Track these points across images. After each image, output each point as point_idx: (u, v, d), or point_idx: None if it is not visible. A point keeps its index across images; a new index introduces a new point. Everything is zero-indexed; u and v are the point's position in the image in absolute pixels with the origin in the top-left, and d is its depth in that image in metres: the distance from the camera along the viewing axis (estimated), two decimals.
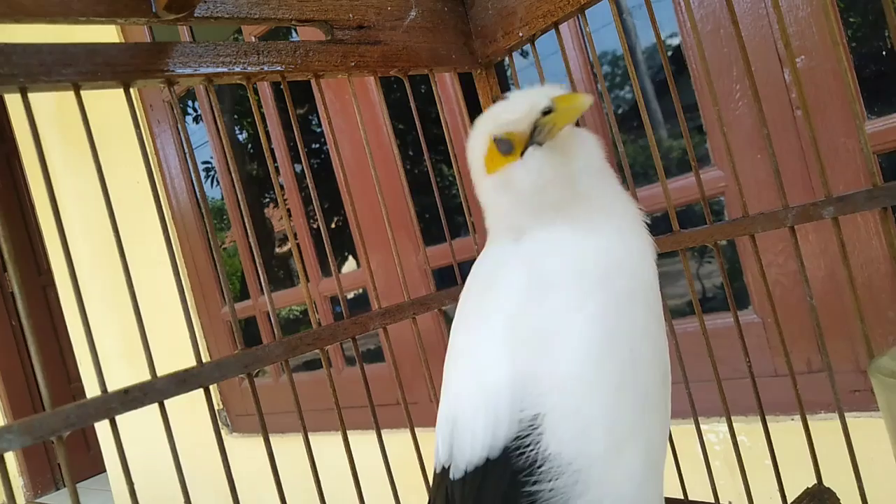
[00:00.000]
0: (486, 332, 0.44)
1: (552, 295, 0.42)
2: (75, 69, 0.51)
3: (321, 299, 1.97)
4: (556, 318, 0.41)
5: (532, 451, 0.40)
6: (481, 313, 0.46)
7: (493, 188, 0.49)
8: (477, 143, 0.50)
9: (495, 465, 0.41)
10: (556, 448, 0.39)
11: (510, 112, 0.47)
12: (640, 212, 0.49)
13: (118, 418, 0.49)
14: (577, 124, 0.49)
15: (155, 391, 0.50)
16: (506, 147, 0.47)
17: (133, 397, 0.49)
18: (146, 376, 0.52)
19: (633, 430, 0.41)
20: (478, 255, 0.78)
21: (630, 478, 0.41)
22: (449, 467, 0.44)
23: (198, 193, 2.27)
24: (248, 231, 0.61)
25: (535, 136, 0.47)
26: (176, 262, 0.56)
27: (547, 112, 0.46)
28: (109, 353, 2.27)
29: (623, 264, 0.45)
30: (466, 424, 0.43)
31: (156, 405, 0.52)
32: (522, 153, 0.47)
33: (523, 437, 0.40)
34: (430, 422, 0.49)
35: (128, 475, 0.48)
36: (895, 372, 0.42)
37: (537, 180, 0.46)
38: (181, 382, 0.52)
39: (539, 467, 0.39)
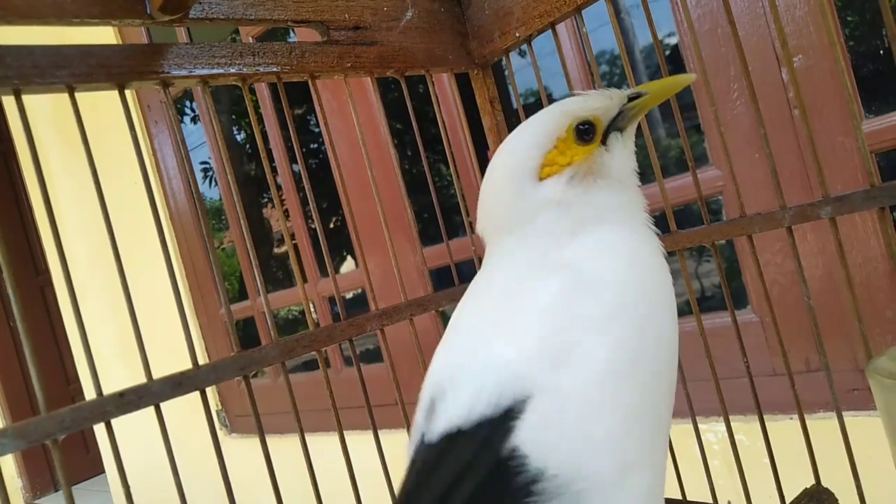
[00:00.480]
0: (509, 319, 0.42)
1: (591, 301, 0.40)
2: (69, 71, 0.50)
3: (319, 299, 1.97)
4: (588, 325, 0.40)
5: (505, 442, 0.37)
6: (507, 304, 0.43)
7: (566, 184, 0.45)
8: (545, 134, 0.46)
9: (464, 437, 0.39)
10: (531, 450, 0.37)
11: (599, 101, 0.46)
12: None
13: (114, 421, 0.49)
14: None
15: (151, 394, 0.50)
16: (589, 135, 0.46)
17: (128, 400, 0.49)
18: (143, 378, 0.51)
19: (643, 454, 0.40)
20: (475, 255, 0.78)
21: (636, 490, 0.39)
22: (424, 435, 0.42)
23: (194, 194, 2.28)
24: (245, 230, 0.61)
25: (616, 121, 0.47)
26: (172, 265, 0.56)
27: (634, 97, 0.47)
28: (107, 355, 2.27)
29: (663, 278, 0.44)
30: (454, 388, 0.41)
31: (152, 408, 0.52)
32: (603, 140, 0.46)
33: (498, 423, 0.38)
34: None
35: (123, 478, 0.48)
36: (893, 372, 0.42)
37: (630, 164, 0.47)
38: (177, 385, 0.52)
39: (511, 462, 0.37)
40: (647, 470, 0.40)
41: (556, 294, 0.41)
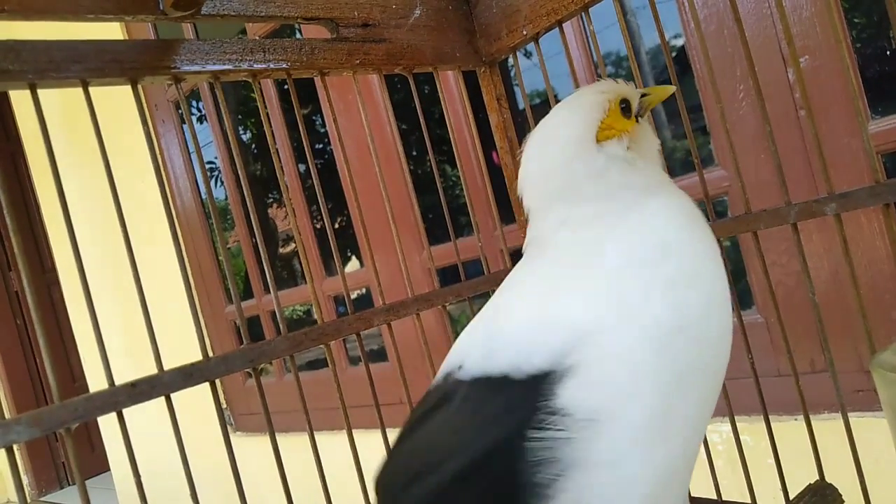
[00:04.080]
0: (579, 278, 0.43)
1: (661, 265, 0.42)
2: (83, 66, 0.51)
3: (325, 298, 1.97)
4: (654, 290, 0.41)
5: (552, 396, 0.38)
6: (579, 262, 0.45)
7: (626, 145, 0.49)
8: (599, 105, 0.50)
9: (512, 386, 0.40)
10: (576, 409, 0.38)
11: (629, 90, 0.52)
12: None
13: (125, 412, 0.50)
14: None
15: (162, 384, 0.51)
16: (628, 113, 0.51)
17: (140, 390, 0.49)
18: (150, 373, 0.52)
19: (680, 425, 0.40)
20: (481, 253, 0.78)
21: (665, 468, 0.39)
22: (451, 374, 0.43)
23: (203, 192, 2.29)
24: (255, 229, 0.62)
25: (638, 109, 0.53)
26: (183, 259, 0.57)
27: (644, 95, 0.54)
28: (112, 353, 2.27)
29: (716, 248, 0.46)
30: (503, 334, 0.42)
31: (161, 400, 0.52)
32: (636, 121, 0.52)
33: (553, 378, 0.39)
34: None
35: (134, 467, 0.49)
36: None
37: (654, 143, 0.52)
38: (188, 376, 0.52)
39: (554, 417, 0.38)
40: (682, 438, 0.40)
41: (626, 256, 0.43)
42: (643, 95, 0.54)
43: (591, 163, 0.48)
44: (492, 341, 0.43)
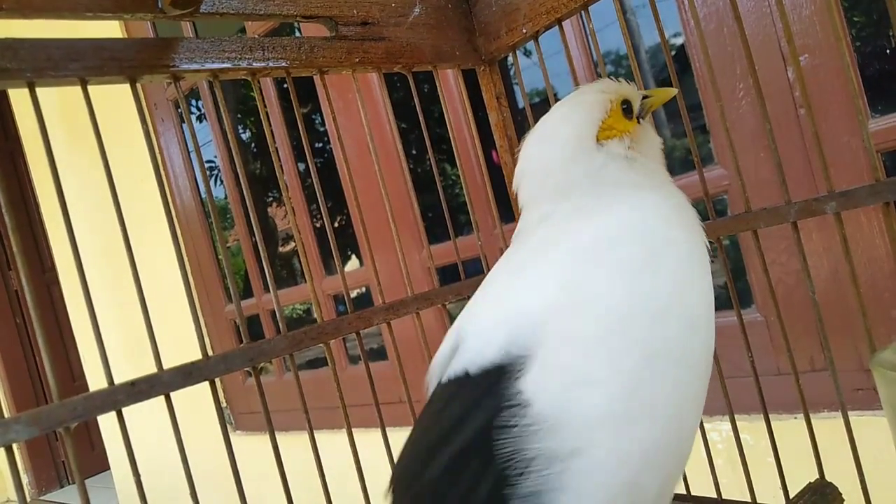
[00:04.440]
0: (532, 271, 0.44)
1: (617, 253, 0.42)
2: (82, 64, 0.51)
3: (324, 298, 1.97)
4: (600, 284, 0.41)
5: (509, 389, 0.38)
6: (537, 255, 0.46)
7: (627, 145, 0.50)
8: (599, 105, 0.51)
9: (471, 381, 0.40)
10: (536, 399, 0.37)
11: (631, 91, 0.53)
12: None
13: (124, 411, 0.50)
14: None
15: (161, 383, 0.50)
16: (629, 113, 0.52)
17: (139, 389, 0.49)
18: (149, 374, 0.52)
19: (649, 408, 0.39)
20: (481, 251, 0.78)
21: (635, 456, 0.38)
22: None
23: (203, 191, 2.28)
24: (255, 227, 0.62)
25: (639, 111, 0.54)
26: (183, 258, 0.57)
27: (646, 97, 0.55)
28: (112, 352, 2.27)
29: (700, 246, 0.46)
30: (468, 337, 0.43)
31: (162, 399, 0.52)
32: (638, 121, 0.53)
33: (505, 371, 0.39)
34: None
35: (134, 466, 0.49)
36: None
37: (654, 143, 0.53)
38: (187, 375, 0.52)
39: (514, 408, 0.38)
40: (652, 424, 0.39)
41: (588, 242, 0.43)
42: (644, 97, 0.54)
43: (589, 161, 0.48)
44: (457, 341, 0.44)
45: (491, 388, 0.39)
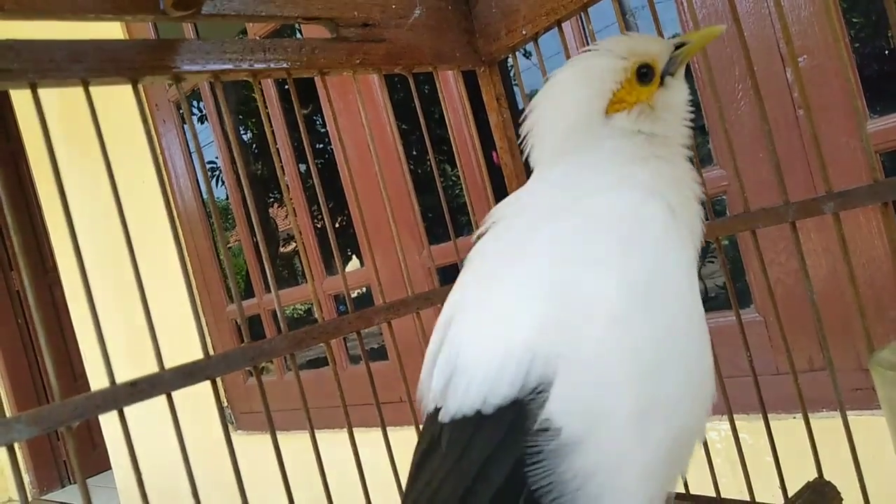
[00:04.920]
0: (519, 277, 0.42)
1: (596, 246, 0.41)
2: (84, 65, 0.51)
3: (325, 298, 1.98)
4: (591, 286, 0.40)
5: (531, 420, 0.37)
6: (517, 255, 0.44)
7: (636, 118, 0.48)
8: (611, 71, 0.49)
9: (488, 421, 0.39)
10: (563, 422, 0.37)
11: (654, 46, 0.50)
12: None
13: (126, 410, 0.50)
14: None
15: (163, 383, 0.51)
16: (649, 77, 0.49)
17: (141, 389, 0.49)
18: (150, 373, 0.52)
19: (662, 405, 0.39)
20: None
21: (650, 463, 0.38)
22: (440, 409, 0.42)
23: (203, 191, 2.29)
24: (256, 228, 0.62)
25: (668, 66, 0.50)
26: (185, 258, 0.57)
27: (679, 46, 0.50)
28: (113, 352, 2.27)
29: (677, 235, 0.44)
30: (467, 369, 0.41)
31: (162, 399, 0.52)
32: (661, 83, 0.50)
33: (525, 404, 0.38)
34: None
35: (136, 465, 0.49)
36: (895, 364, 0.42)
37: (682, 105, 0.50)
38: (188, 375, 0.52)
39: (540, 437, 0.37)
40: (666, 424, 0.39)
41: (563, 242, 0.42)
42: (679, 46, 0.51)
43: (587, 136, 0.48)
44: (455, 375, 0.42)
45: (513, 424, 0.38)
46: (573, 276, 0.40)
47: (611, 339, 0.39)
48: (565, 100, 0.50)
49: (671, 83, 0.50)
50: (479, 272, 0.47)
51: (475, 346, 0.42)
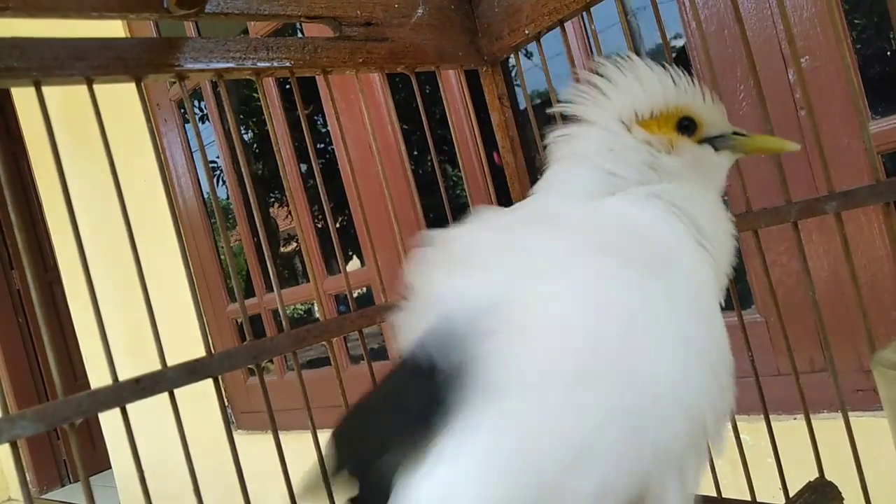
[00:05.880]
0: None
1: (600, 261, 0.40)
2: (88, 63, 0.51)
3: (326, 297, 1.98)
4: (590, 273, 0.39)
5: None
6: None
7: (644, 141, 0.46)
8: (658, 96, 0.47)
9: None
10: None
11: (715, 115, 0.48)
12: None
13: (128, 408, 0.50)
14: None
15: (165, 381, 0.51)
16: (690, 131, 0.47)
17: (144, 386, 0.49)
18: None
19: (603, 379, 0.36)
20: None
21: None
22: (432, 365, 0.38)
23: (205, 190, 2.29)
24: (259, 227, 0.62)
25: (716, 140, 0.48)
26: (187, 256, 0.57)
27: (739, 134, 0.49)
28: (114, 352, 2.28)
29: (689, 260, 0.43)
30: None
31: (162, 399, 0.52)
32: (701, 142, 0.48)
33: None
34: None
35: (138, 463, 0.49)
36: None
37: (699, 170, 0.47)
38: (191, 372, 0.52)
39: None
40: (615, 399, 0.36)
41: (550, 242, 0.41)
42: (736, 133, 0.49)
43: (604, 141, 0.47)
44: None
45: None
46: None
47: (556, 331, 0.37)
48: (602, 103, 0.48)
49: (705, 152, 0.48)
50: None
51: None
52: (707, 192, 0.48)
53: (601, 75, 0.48)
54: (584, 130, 0.48)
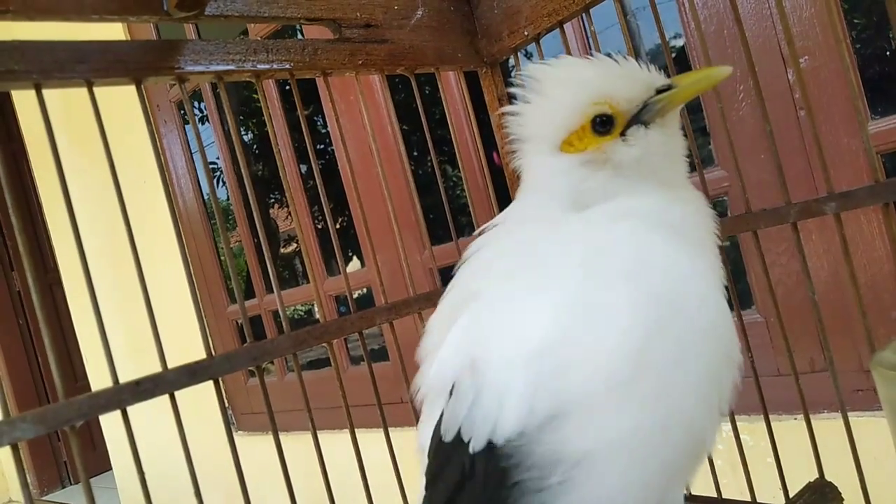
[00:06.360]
0: (534, 302, 0.41)
1: (603, 279, 0.40)
2: (88, 66, 0.51)
3: (326, 298, 1.98)
4: (603, 304, 0.39)
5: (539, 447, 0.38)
6: (529, 281, 0.43)
7: (579, 165, 0.45)
8: (567, 110, 0.45)
9: (497, 452, 0.39)
10: (572, 446, 0.37)
11: (622, 89, 0.44)
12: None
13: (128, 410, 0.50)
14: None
15: (166, 383, 0.51)
16: (606, 127, 0.44)
17: (144, 388, 0.49)
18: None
19: (662, 444, 0.39)
20: None
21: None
22: (460, 437, 0.41)
23: (205, 191, 2.29)
24: (259, 228, 0.62)
25: (641, 113, 0.45)
26: (187, 258, 0.57)
27: (663, 90, 0.45)
28: (115, 354, 2.28)
29: (685, 264, 0.42)
30: (498, 394, 0.39)
31: (162, 400, 0.52)
32: (623, 132, 0.45)
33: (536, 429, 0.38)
34: None
35: (139, 465, 0.49)
36: None
37: (643, 161, 0.44)
38: (192, 374, 0.52)
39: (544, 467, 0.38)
40: (679, 440, 0.40)
41: (568, 285, 0.41)
42: (663, 90, 0.45)
43: (543, 169, 0.47)
44: (481, 399, 0.41)
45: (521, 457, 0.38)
46: (585, 311, 0.40)
47: (623, 372, 0.38)
48: (524, 126, 0.48)
49: (635, 136, 0.45)
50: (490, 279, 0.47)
51: (499, 366, 0.41)
52: (670, 177, 0.46)
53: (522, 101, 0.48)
54: (528, 162, 0.48)
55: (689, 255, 0.43)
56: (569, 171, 0.45)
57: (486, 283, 0.46)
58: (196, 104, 2.77)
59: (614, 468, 0.38)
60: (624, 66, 0.45)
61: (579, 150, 0.45)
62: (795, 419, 1.03)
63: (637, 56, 0.50)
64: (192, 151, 2.29)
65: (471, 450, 0.40)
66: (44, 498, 3.66)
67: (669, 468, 0.41)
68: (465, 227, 1.95)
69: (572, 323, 0.39)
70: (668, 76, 0.49)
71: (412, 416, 0.68)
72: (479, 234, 0.50)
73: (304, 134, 0.67)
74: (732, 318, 0.46)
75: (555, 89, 0.46)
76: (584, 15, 0.69)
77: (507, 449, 0.39)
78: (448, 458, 0.42)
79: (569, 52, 0.75)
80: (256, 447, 1.09)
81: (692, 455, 0.42)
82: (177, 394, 0.53)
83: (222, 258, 2.29)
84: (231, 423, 2.33)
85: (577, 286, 0.40)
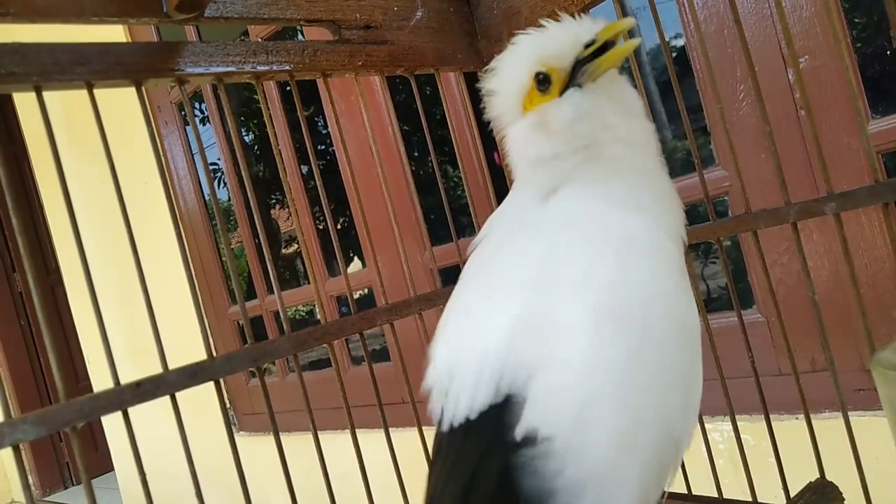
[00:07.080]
0: (496, 295, 0.42)
1: (566, 267, 0.40)
2: (88, 68, 0.52)
3: (327, 299, 1.98)
4: (566, 292, 0.39)
5: (510, 425, 0.38)
6: (494, 274, 0.44)
7: (526, 129, 0.46)
8: (514, 79, 0.46)
9: (474, 428, 0.40)
10: (548, 431, 0.37)
11: (552, 48, 0.45)
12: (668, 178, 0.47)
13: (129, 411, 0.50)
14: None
15: (166, 384, 0.51)
16: (545, 85, 0.45)
17: (145, 390, 0.50)
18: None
19: (647, 417, 0.39)
20: None
21: (639, 468, 0.38)
22: (441, 420, 0.43)
23: (206, 192, 2.29)
24: (259, 228, 0.62)
25: (576, 76, 0.45)
26: (188, 259, 0.57)
27: (589, 45, 0.44)
28: (116, 354, 2.28)
29: (649, 239, 0.42)
30: (458, 381, 0.41)
31: (164, 401, 0.52)
32: (561, 92, 0.45)
33: (499, 409, 0.38)
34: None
35: (140, 465, 0.49)
36: None
37: (574, 123, 0.44)
38: (192, 375, 0.53)
39: (522, 443, 0.37)
40: (655, 429, 0.39)
41: (536, 261, 0.42)
42: (589, 45, 0.44)
43: (514, 134, 0.48)
44: (452, 383, 0.42)
45: (496, 431, 0.38)
46: (550, 291, 0.40)
47: (589, 350, 0.38)
48: (495, 98, 0.49)
49: (571, 97, 0.44)
50: (468, 283, 0.48)
51: (463, 355, 0.42)
52: (620, 153, 0.45)
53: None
54: (506, 141, 0.49)
55: (640, 257, 0.42)
56: (524, 137, 0.46)
57: (459, 291, 0.48)
58: (197, 105, 2.77)
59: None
60: (556, 25, 0.46)
61: (528, 110, 0.46)
62: (796, 419, 1.03)
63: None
64: (193, 152, 2.29)
65: (441, 428, 0.42)
66: (46, 499, 3.67)
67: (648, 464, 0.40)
68: (466, 227, 1.95)
69: (528, 332, 0.40)
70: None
71: (413, 417, 0.68)
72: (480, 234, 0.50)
73: (305, 135, 0.67)
74: (733, 317, 0.46)
75: (506, 64, 0.48)
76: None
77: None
78: (436, 434, 0.44)
79: None
80: (258, 448, 1.09)
81: (664, 451, 0.41)
82: (178, 394, 0.53)
83: (223, 259, 2.29)
84: (232, 424, 2.34)
85: (531, 299, 0.41)
